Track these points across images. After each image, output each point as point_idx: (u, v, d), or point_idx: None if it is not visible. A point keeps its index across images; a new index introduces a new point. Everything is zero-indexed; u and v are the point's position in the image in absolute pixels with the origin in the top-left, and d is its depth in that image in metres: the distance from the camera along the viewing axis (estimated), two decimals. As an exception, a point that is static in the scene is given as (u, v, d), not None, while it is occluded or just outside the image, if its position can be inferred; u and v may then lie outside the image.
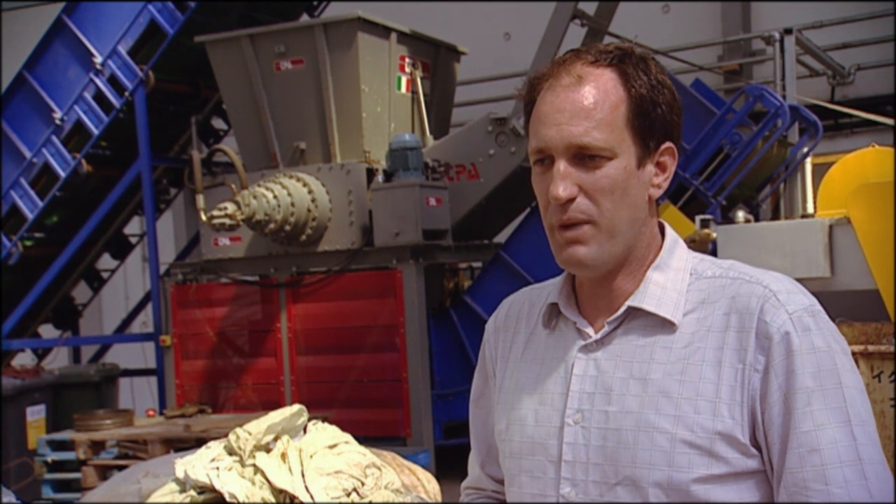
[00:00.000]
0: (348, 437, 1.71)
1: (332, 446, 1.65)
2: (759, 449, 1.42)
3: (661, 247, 1.56)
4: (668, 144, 1.52)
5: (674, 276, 1.52)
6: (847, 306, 5.67)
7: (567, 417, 1.52)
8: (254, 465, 1.58)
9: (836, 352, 1.42)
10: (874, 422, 1.41)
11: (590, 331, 1.55)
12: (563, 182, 1.45)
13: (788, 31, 8.34)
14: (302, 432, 1.68)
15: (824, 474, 1.36)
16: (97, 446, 6.18)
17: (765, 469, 1.43)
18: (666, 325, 1.49)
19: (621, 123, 1.46)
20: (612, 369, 1.50)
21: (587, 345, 1.53)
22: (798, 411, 1.38)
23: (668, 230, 1.58)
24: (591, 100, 1.46)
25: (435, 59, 8.48)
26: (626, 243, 1.50)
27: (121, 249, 10.28)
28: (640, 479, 1.44)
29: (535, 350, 1.63)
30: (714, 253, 6.02)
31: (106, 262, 10.40)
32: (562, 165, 1.46)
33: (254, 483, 1.55)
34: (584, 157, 1.46)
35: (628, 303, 1.51)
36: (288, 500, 1.54)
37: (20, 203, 8.56)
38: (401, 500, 1.64)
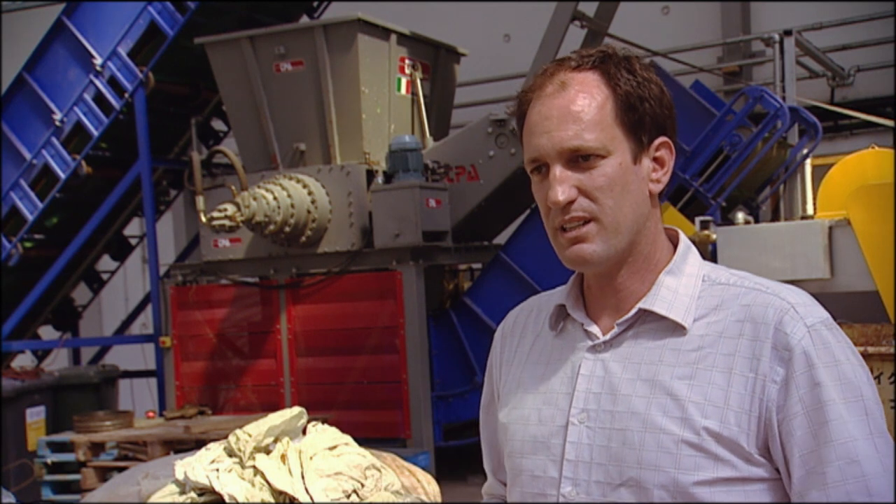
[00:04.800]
0: (348, 438, 1.71)
1: (332, 448, 1.65)
2: (768, 458, 1.41)
3: (673, 251, 1.56)
4: (663, 139, 1.52)
5: (686, 282, 1.52)
6: (847, 308, 5.68)
7: (572, 417, 1.51)
8: (254, 467, 1.58)
9: (855, 365, 1.42)
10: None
11: (597, 332, 1.55)
12: (560, 186, 1.46)
13: (788, 33, 8.33)
14: (302, 434, 1.68)
15: (867, 486, 1.35)
16: (97, 448, 6.17)
17: (773, 477, 1.42)
18: (676, 329, 1.49)
19: (610, 121, 1.47)
20: (620, 370, 1.50)
21: (595, 345, 1.53)
22: (832, 423, 1.37)
23: (682, 236, 1.59)
24: (578, 103, 1.47)
25: (435, 60, 8.48)
26: (629, 238, 1.50)
27: (121, 251, 10.29)
28: (645, 481, 1.43)
29: (540, 351, 1.63)
30: (714, 254, 6.03)
31: (106, 263, 10.41)
32: (557, 171, 1.47)
33: (254, 485, 1.56)
34: (579, 159, 1.46)
35: (639, 305, 1.51)
36: (288, 502, 1.54)
37: (20, 204, 8.56)
38: (401, 501, 1.64)
